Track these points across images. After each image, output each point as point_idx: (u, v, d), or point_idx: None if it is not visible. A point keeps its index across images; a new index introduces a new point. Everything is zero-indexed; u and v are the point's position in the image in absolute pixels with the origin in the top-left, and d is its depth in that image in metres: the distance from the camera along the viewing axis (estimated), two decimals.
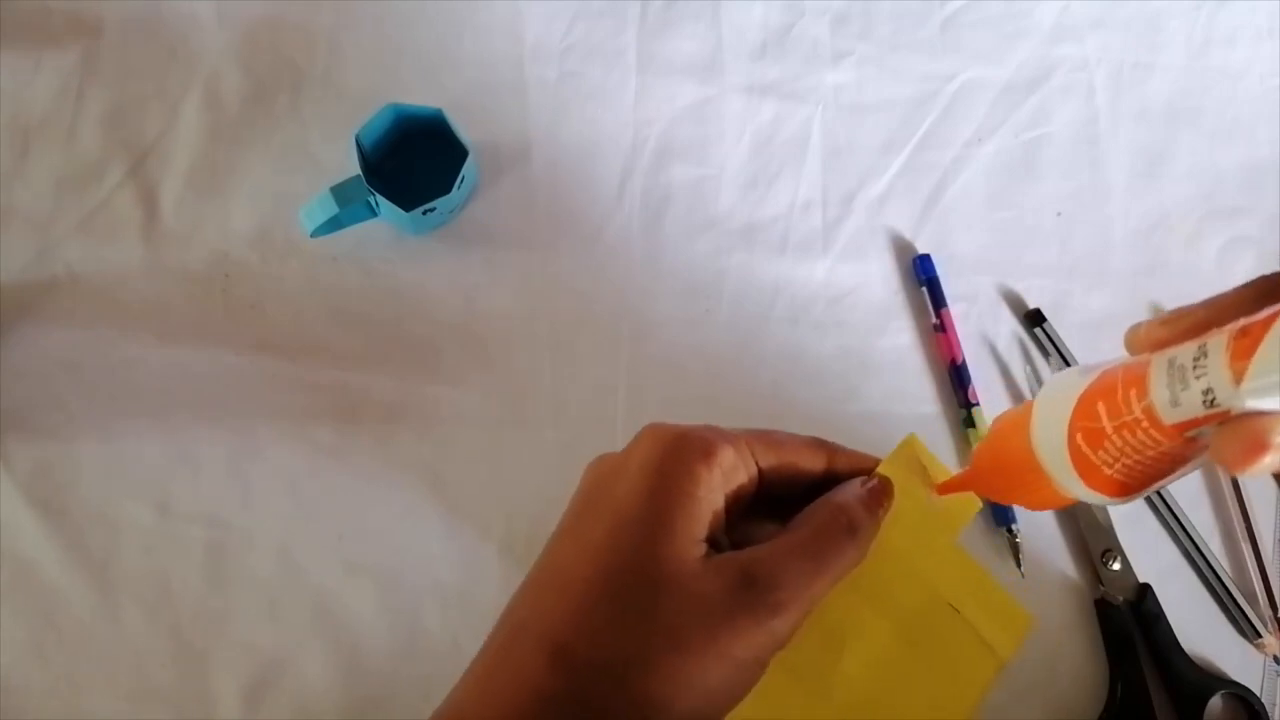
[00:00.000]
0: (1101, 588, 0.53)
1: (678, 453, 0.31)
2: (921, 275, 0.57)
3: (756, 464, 0.35)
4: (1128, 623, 0.52)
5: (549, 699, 0.28)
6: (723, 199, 0.58)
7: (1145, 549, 0.54)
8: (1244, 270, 0.60)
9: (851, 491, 0.35)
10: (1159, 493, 0.55)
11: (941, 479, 0.38)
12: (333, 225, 0.53)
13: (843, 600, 0.35)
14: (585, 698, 0.28)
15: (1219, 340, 0.23)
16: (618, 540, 0.30)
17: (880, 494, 0.36)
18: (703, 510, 0.31)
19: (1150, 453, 0.26)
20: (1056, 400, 0.28)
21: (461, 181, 0.53)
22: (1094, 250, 0.60)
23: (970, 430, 0.55)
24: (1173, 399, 0.24)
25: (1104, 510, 0.54)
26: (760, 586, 0.29)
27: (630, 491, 0.31)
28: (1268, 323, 0.22)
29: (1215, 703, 0.52)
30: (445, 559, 0.51)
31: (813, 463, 0.37)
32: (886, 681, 0.36)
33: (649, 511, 0.30)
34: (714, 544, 0.32)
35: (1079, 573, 0.54)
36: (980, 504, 0.38)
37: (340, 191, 0.52)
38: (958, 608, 0.37)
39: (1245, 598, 0.54)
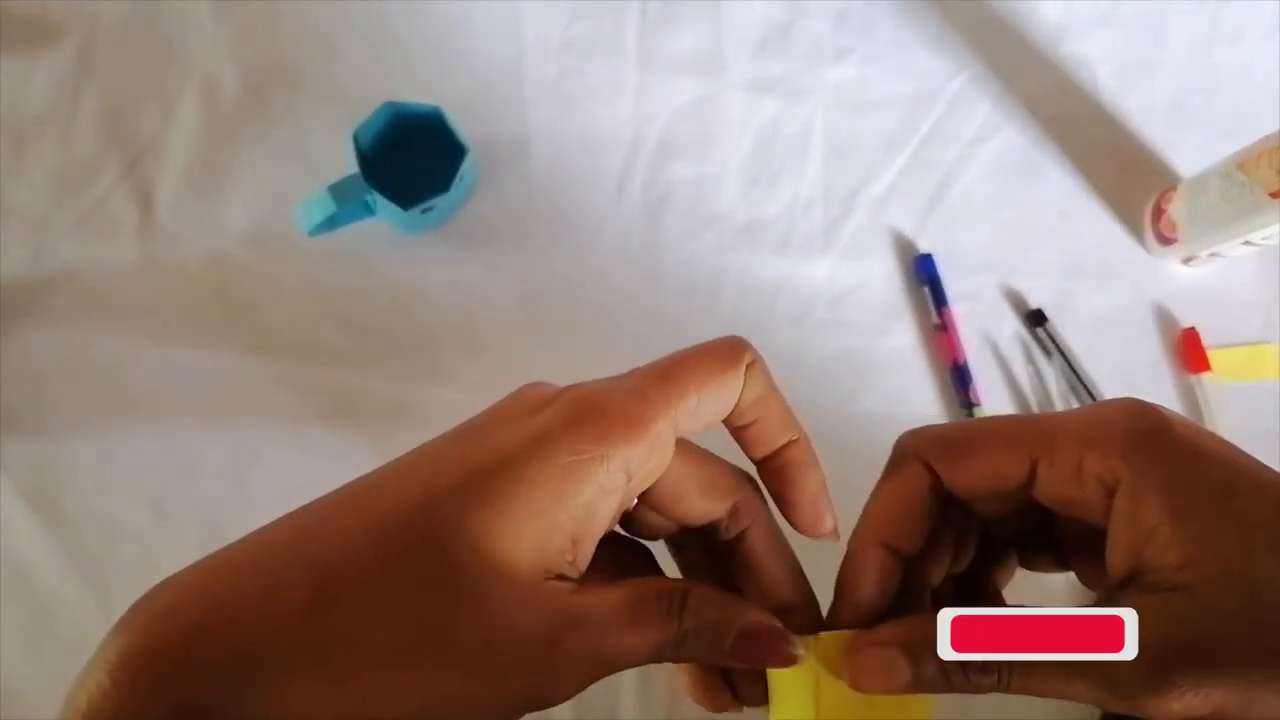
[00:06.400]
0: None
1: (589, 433, 0.24)
2: (923, 275, 0.57)
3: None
4: None
5: (292, 611, 0.23)
6: (723, 197, 0.58)
7: None
8: (1244, 273, 0.60)
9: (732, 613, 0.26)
10: None
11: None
12: (330, 224, 0.53)
13: None
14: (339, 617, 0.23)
15: None
16: (441, 500, 0.24)
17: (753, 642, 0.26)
18: (572, 520, 0.24)
19: None
20: None
21: (460, 180, 0.53)
22: (1097, 250, 0.59)
23: None
24: None
25: None
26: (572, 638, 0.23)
27: (504, 453, 0.24)
28: None
29: None
30: None
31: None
32: None
33: (497, 486, 0.23)
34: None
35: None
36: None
37: (338, 190, 0.51)
38: None
39: None
